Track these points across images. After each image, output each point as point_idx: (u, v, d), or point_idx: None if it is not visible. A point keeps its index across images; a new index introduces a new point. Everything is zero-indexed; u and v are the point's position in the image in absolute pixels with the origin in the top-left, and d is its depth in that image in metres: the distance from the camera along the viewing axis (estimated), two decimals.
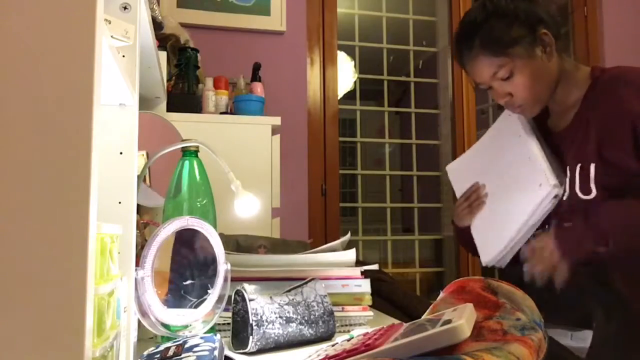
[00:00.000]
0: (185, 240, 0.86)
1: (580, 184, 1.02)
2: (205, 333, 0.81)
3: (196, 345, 0.66)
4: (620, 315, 0.97)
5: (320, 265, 1.01)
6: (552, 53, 1.08)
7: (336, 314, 0.93)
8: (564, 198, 1.05)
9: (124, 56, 0.71)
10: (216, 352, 0.65)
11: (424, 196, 2.93)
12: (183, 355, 0.63)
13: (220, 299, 0.85)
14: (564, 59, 1.11)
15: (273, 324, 0.82)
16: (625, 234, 0.97)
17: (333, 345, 0.72)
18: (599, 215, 0.99)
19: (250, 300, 0.82)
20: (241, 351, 0.82)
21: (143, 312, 0.76)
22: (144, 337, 0.87)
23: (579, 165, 1.03)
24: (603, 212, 0.99)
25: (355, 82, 2.93)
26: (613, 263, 0.98)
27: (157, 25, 1.52)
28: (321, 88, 2.37)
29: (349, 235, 1.12)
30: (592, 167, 1.00)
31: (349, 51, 3.06)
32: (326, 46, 2.40)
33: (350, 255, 1.03)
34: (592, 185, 1.00)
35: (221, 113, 1.75)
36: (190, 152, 0.95)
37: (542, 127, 1.17)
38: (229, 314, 0.88)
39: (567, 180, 1.05)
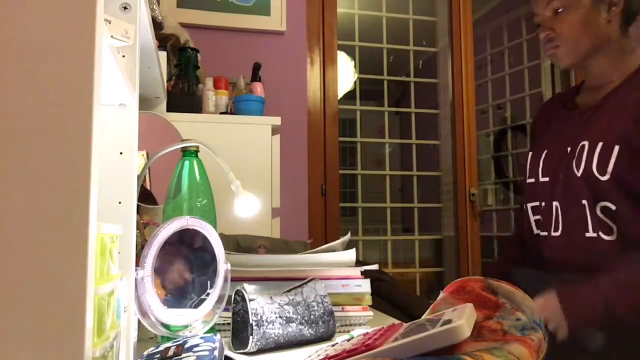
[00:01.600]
0: (186, 240, 0.86)
1: (597, 163, 0.97)
2: (205, 333, 0.81)
3: (196, 345, 0.66)
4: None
5: (320, 265, 1.01)
6: (615, 18, 1.05)
7: (336, 314, 0.93)
8: (579, 174, 1.00)
9: (124, 56, 0.71)
10: (216, 352, 0.65)
11: (424, 196, 2.93)
12: (183, 355, 0.63)
13: (220, 299, 0.85)
14: (624, 34, 1.07)
15: (273, 324, 0.82)
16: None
17: (333, 345, 0.72)
18: (609, 276, 0.91)
19: (250, 300, 0.82)
20: (241, 351, 0.82)
21: (143, 312, 0.76)
22: (144, 337, 0.87)
23: (601, 143, 0.98)
24: (612, 275, 0.91)
25: (355, 82, 2.93)
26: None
27: (157, 25, 1.52)
28: (321, 88, 2.37)
29: (349, 235, 1.12)
30: (616, 149, 0.96)
31: (349, 51, 3.06)
32: (326, 46, 2.40)
33: (350, 255, 1.03)
34: (610, 168, 0.95)
35: (221, 113, 1.75)
36: (190, 152, 0.95)
37: (570, 101, 1.15)
38: (229, 314, 0.88)
39: (585, 157, 0.99)
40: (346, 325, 0.99)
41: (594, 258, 0.98)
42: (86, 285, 0.42)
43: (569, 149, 1.04)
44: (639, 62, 1.06)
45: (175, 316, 0.80)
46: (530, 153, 1.16)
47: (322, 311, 0.89)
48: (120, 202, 0.70)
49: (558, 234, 1.05)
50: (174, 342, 0.70)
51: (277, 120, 1.74)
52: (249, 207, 1.04)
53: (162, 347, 0.69)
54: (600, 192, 0.97)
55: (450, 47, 2.66)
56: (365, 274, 1.03)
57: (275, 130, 1.75)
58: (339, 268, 1.02)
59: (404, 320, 0.76)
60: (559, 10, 1.05)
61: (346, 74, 3.17)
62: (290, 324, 0.84)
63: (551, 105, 1.24)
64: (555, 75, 2.97)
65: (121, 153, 0.72)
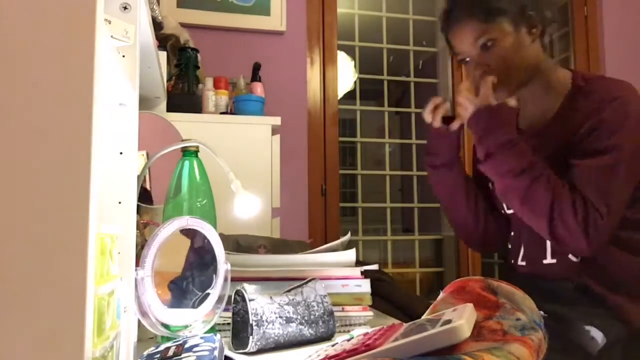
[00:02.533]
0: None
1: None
2: (205, 333, 0.81)
3: (196, 345, 0.66)
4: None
5: (320, 265, 1.01)
6: (536, 39, 1.09)
7: (336, 314, 0.93)
8: None
9: (124, 56, 0.71)
10: (216, 352, 0.65)
11: (424, 196, 2.92)
12: (183, 355, 0.63)
13: (220, 299, 0.85)
14: (545, 54, 1.12)
15: (273, 324, 0.82)
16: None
17: (333, 345, 0.72)
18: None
19: (250, 300, 0.82)
20: (241, 351, 0.82)
21: (143, 312, 0.76)
22: (144, 337, 0.87)
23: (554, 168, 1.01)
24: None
25: (355, 82, 2.93)
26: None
27: (157, 25, 1.52)
28: (321, 88, 2.37)
29: (349, 235, 1.12)
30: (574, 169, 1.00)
31: (349, 51, 3.06)
32: (326, 46, 2.40)
33: (350, 255, 1.03)
34: None
35: (221, 113, 1.75)
36: (190, 152, 0.95)
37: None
38: (229, 314, 0.88)
39: None
40: (346, 325, 0.99)
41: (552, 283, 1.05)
42: (86, 286, 0.42)
43: None
44: (565, 77, 1.11)
45: (175, 316, 0.80)
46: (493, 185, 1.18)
47: (322, 311, 0.89)
48: (120, 202, 0.70)
49: (524, 263, 1.13)
50: (174, 342, 0.70)
51: (277, 120, 1.74)
52: (249, 207, 1.04)
53: (162, 347, 0.69)
54: None
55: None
56: (365, 274, 1.03)
57: (275, 130, 1.75)
58: (339, 268, 1.02)
59: (404, 320, 0.76)
60: (488, 44, 1.07)
61: (346, 74, 3.17)
62: (290, 324, 0.84)
63: None
64: None
65: (121, 153, 0.72)
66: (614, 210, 0.96)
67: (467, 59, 1.12)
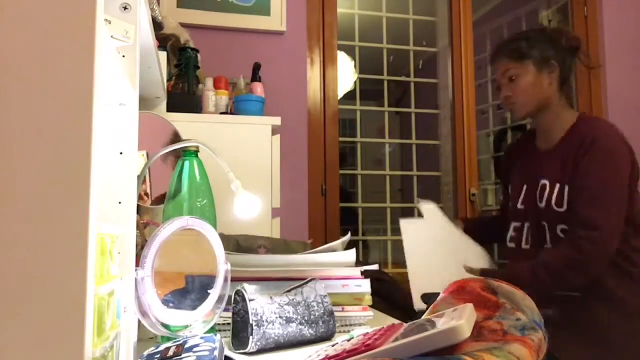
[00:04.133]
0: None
1: (556, 199, 1.36)
2: (205, 333, 0.81)
3: (196, 345, 0.66)
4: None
5: (320, 265, 1.01)
6: (553, 82, 1.44)
7: (336, 314, 0.93)
8: (542, 205, 1.40)
9: (124, 56, 0.71)
10: (216, 352, 0.65)
11: (424, 196, 2.91)
12: (183, 355, 0.63)
13: (220, 299, 0.85)
14: (560, 93, 1.46)
15: (273, 324, 0.82)
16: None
17: (333, 345, 0.72)
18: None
19: (250, 300, 0.82)
20: (241, 351, 0.82)
21: (143, 312, 0.76)
22: (144, 337, 0.87)
23: (557, 184, 1.36)
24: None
25: (355, 82, 2.93)
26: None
27: (157, 25, 1.52)
28: (321, 88, 2.37)
29: (349, 235, 1.12)
30: (566, 188, 1.34)
31: (349, 51, 3.06)
32: (326, 46, 2.40)
33: (350, 255, 1.03)
34: (565, 202, 1.34)
35: (221, 113, 1.75)
36: (190, 152, 0.95)
37: (532, 144, 1.53)
38: (229, 314, 0.88)
39: (546, 194, 1.39)
40: (346, 325, 0.99)
41: None
42: (86, 286, 0.42)
43: (533, 183, 1.44)
44: (572, 116, 1.44)
45: (175, 316, 0.80)
46: (511, 185, 1.55)
47: (322, 311, 0.89)
48: (120, 202, 0.70)
49: (528, 246, 1.46)
50: (174, 342, 0.70)
51: (277, 120, 1.74)
52: (249, 207, 1.04)
53: (162, 347, 0.69)
54: (558, 218, 1.36)
55: (450, 47, 2.66)
56: (365, 274, 1.03)
57: (275, 130, 1.75)
58: (339, 268, 1.02)
59: (404, 320, 0.76)
60: (513, 78, 1.45)
61: (346, 74, 3.16)
62: (290, 324, 0.84)
63: (519, 145, 1.63)
64: None
65: (121, 153, 0.72)
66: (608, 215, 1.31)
67: (499, 87, 1.50)
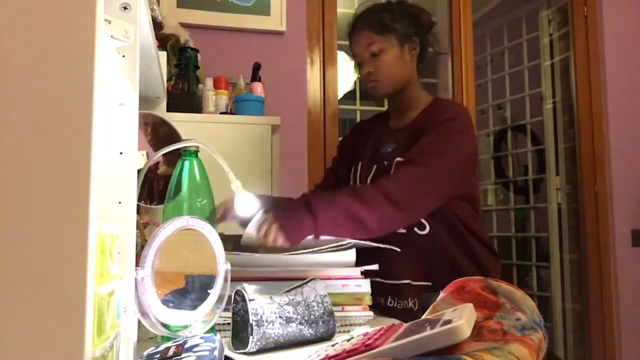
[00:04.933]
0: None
1: (394, 170, 1.28)
2: (205, 333, 0.81)
3: (196, 345, 0.66)
4: None
5: (320, 265, 1.01)
6: (413, 60, 1.38)
7: (336, 314, 0.93)
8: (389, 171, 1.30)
9: (124, 56, 0.71)
10: (216, 352, 0.65)
11: None
12: (183, 355, 0.63)
13: (220, 299, 0.85)
14: (419, 77, 1.41)
15: (273, 324, 0.82)
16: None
17: (333, 345, 0.72)
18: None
19: (250, 300, 0.82)
20: (241, 351, 0.82)
21: (143, 312, 0.76)
22: (144, 337, 0.87)
23: (398, 158, 1.29)
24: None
25: (355, 82, 2.93)
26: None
27: (157, 25, 1.52)
28: (321, 88, 2.37)
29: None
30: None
31: (349, 51, 3.05)
32: (326, 46, 2.40)
33: (350, 255, 1.03)
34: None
35: (221, 113, 1.75)
36: (190, 152, 0.95)
37: (385, 124, 1.46)
38: (229, 314, 0.88)
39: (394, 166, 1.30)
40: (346, 325, 0.99)
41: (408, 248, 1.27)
42: (86, 285, 0.42)
43: (385, 162, 1.33)
44: (428, 98, 1.39)
45: (175, 316, 0.80)
46: (361, 163, 1.41)
47: (322, 311, 0.89)
48: (120, 202, 0.70)
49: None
50: (174, 342, 0.70)
51: (277, 120, 1.74)
52: (249, 207, 1.04)
53: (162, 347, 0.69)
54: None
55: (450, 47, 2.66)
56: (365, 274, 1.03)
57: (275, 130, 1.75)
58: (339, 268, 1.02)
59: (404, 320, 0.76)
60: (376, 53, 1.34)
61: (346, 74, 3.16)
62: (290, 324, 0.84)
63: (371, 124, 1.52)
64: (555, 75, 2.97)
65: (121, 153, 0.72)
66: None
67: (360, 62, 1.39)
